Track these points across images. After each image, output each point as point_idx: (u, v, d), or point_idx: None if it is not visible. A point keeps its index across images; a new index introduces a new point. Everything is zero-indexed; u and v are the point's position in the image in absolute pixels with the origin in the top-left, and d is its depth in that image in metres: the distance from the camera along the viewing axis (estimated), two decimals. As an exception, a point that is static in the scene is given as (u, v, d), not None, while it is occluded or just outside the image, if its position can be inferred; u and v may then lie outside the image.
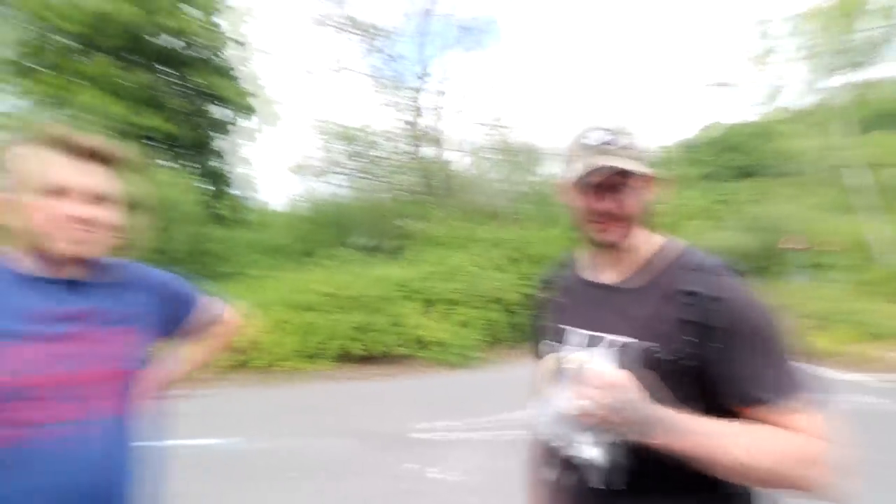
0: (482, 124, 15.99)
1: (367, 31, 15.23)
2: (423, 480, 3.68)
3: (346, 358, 9.01)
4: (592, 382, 0.76)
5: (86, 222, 0.88)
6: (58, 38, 13.50)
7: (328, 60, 16.96)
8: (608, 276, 0.97)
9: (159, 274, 1.13)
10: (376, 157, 15.92)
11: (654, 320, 0.86)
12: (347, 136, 15.38)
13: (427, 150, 16.13)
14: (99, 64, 13.42)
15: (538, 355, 0.99)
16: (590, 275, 1.01)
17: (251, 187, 18.82)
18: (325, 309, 9.34)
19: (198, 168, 15.58)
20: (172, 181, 11.42)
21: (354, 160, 15.68)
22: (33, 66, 13.47)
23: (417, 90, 15.88)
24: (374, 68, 15.76)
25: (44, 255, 0.89)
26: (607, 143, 0.88)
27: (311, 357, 8.91)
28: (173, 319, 1.11)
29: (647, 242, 0.96)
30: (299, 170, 16.13)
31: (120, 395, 0.94)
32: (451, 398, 6.60)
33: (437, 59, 17.19)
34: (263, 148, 35.99)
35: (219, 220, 14.26)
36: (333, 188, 16.03)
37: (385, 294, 9.61)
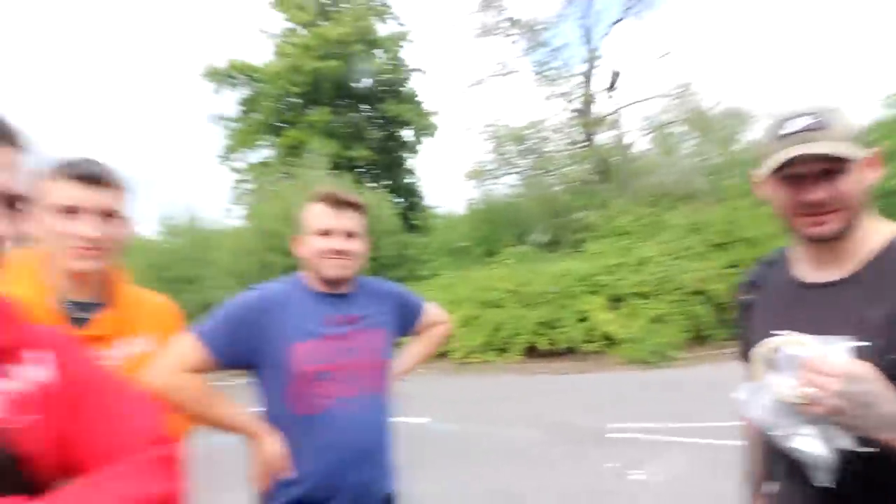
0: (665, 95, 14.36)
1: (529, 29, 15.26)
2: (624, 481, 3.57)
3: (532, 352, 9.22)
4: (822, 369, 0.69)
5: (341, 253, 1.19)
6: (290, 99, 17.33)
7: (493, 65, 17.58)
8: (827, 274, 0.85)
9: (395, 286, 1.44)
10: (548, 151, 15.80)
11: (894, 323, 0.74)
12: (517, 137, 15.65)
13: (602, 136, 15.28)
14: (319, 113, 16.71)
15: (748, 362, 0.93)
16: (804, 273, 0.90)
17: (434, 196, 20.80)
18: (509, 305, 9.73)
19: (391, 185, 17.99)
20: (376, 200, 13.44)
21: (527, 158, 15.87)
22: (276, 123, 17.61)
23: (587, 75, 15.18)
24: (539, 63, 15.67)
25: (321, 277, 1.22)
26: (810, 129, 0.79)
27: (500, 351, 9.39)
28: (406, 322, 1.40)
29: (873, 232, 0.83)
30: (474, 175, 17.11)
31: (380, 378, 1.23)
32: (649, 398, 6.15)
33: (605, 37, 16.07)
34: (442, 157, 39.56)
35: (412, 229, 16.20)
36: (508, 188, 16.52)
37: (567, 289, 9.49)
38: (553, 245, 13.27)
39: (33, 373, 0.60)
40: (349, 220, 1.21)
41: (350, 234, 1.21)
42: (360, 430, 1.15)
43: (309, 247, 1.21)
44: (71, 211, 0.94)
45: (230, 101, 18.71)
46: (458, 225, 14.94)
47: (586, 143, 15.11)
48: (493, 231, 14.51)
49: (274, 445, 1.11)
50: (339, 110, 17.26)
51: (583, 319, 9.06)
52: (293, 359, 1.12)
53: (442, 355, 9.29)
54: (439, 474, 3.81)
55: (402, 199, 18.07)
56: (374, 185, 16.43)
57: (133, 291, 1.11)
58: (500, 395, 7.14)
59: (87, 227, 0.94)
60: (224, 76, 17.75)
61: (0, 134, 0.58)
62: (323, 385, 1.13)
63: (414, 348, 1.50)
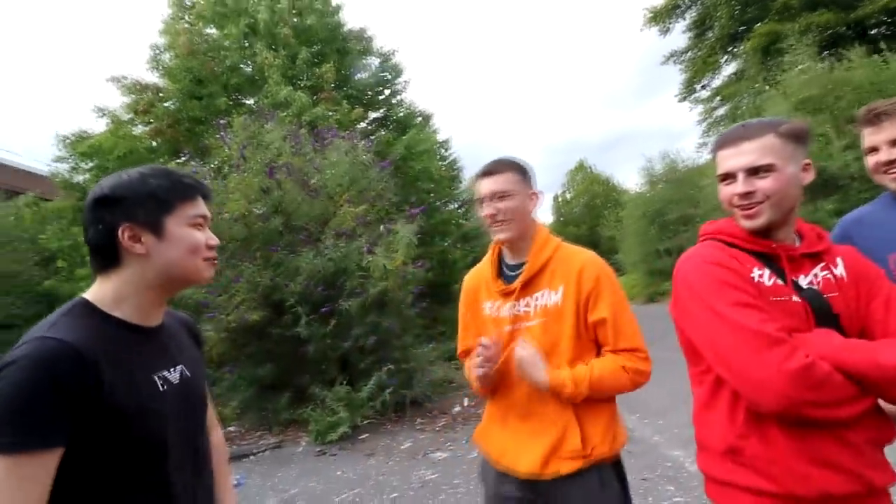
0: None
1: None
2: None
3: None
4: None
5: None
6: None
7: None
8: None
9: None
10: None
11: None
12: None
13: None
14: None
15: None
16: None
17: None
18: None
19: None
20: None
21: None
22: (736, 31, 15.29)
23: None
24: None
25: None
26: None
27: None
28: None
29: None
30: None
31: None
32: None
33: None
34: None
35: None
36: None
37: None
38: None
39: (838, 269, 0.99)
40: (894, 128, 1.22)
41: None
42: None
43: (874, 162, 1.28)
44: (480, 201, 1.32)
45: (676, 35, 17.90)
46: None
47: None
48: None
49: None
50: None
51: None
52: (889, 267, 1.17)
53: None
54: None
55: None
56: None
57: (556, 249, 1.32)
58: None
59: (486, 209, 1.29)
60: (667, 11, 17.21)
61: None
62: None
63: None
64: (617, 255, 20.06)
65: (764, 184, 0.96)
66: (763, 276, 0.95)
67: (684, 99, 18.16)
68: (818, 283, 0.96)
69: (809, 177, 1.01)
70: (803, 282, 0.96)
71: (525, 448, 1.25)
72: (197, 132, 8.68)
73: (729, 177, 1.00)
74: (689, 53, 17.43)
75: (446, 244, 9.29)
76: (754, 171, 0.96)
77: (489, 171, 1.32)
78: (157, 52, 9.05)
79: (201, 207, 0.87)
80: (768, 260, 0.98)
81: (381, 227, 5.56)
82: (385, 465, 3.81)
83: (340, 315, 4.80)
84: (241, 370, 5.11)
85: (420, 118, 11.09)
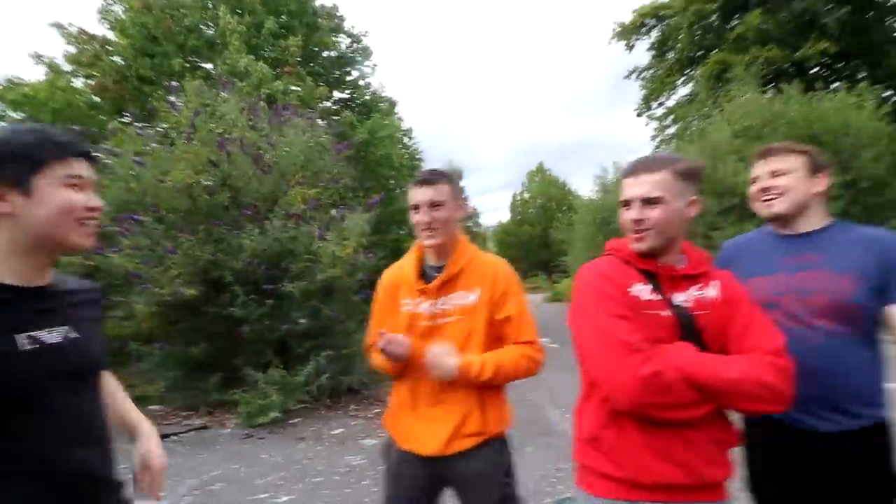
0: None
1: None
2: None
3: None
4: None
5: (766, 190, 1.33)
6: (708, 21, 15.37)
7: None
8: None
9: (876, 234, 1.27)
10: None
11: None
12: None
13: None
14: (747, 20, 14.03)
15: None
16: None
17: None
18: None
19: (876, 75, 12.86)
20: (849, 103, 10.03)
21: None
22: (694, 55, 16.10)
23: None
24: None
25: (779, 222, 1.35)
26: None
27: None
28: (888, 282, 1.19)
29: None
30: None
31: (843, 320, 1.20)
32: None
33: None
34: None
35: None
36: None
37: None
38: None
39: (712, 290, 1.11)
40: (777, 162, 1.32)
41: (776, 174, 1.32)
42: (807, 357, 1.16)
43: (754, 190, 1.39)
44: (415, 207, 1.42)
45: (640, 52, 18.64)
46: None
47: None
48: None
49: None
50: (775, 5, 13.84)
51: None
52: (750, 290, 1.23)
53: None
54: None
55: (897, 92, 12.64)
56: (848, 83, 12.30)
57: (472, 256, 1.46)
58: None
59: (421, 216, 1.40)
60: (633, 28, 17.85)
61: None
62: (775, 314, 1.22)
63: None
64: (566, 256, 20.73)
65: (653, 213, 1.09)
66: (643, 291, 1.08)
67: (641, 114, 18.96)
68: (691, 301, 1.09)
69: (694, 211, 1.13)
70: (678, 299, 1.08)
71: (431, 432, 1.39)
72: (145, 92, 8.17)
73: (627, 203, 1.13)
74: (650, 71, 18.20)
75: (402, 233, 9.31)
76: (647, 202, 1.09)
77: (427, 180, 1.42)
78: (109, 1, 8.42)
79: (80, 167, 0.84)
80: (652, 277, 1.11)
81: (333, 212, 5.50)
82: (313, 450, 3.84)
83: (282, 297, 4.74)
84: (171, 347, 4.93)
85: (385, 104, 10.98)
